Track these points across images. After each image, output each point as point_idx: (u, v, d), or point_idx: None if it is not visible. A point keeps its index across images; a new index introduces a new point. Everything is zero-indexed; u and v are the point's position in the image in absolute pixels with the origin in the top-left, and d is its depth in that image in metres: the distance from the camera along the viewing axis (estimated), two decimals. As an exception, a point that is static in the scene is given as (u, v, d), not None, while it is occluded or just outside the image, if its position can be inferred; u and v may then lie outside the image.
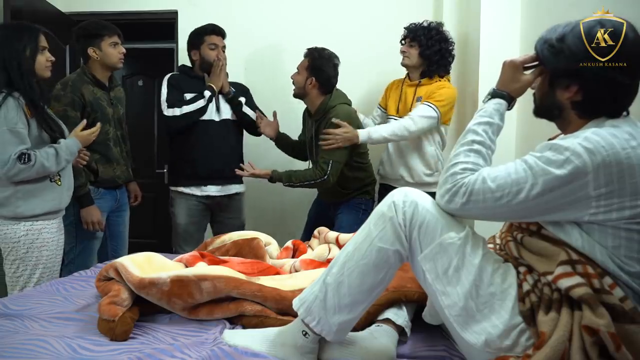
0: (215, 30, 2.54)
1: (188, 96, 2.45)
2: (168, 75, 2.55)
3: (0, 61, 1.82)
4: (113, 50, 2.30)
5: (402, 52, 2.48)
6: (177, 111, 2.41)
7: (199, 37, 2.53)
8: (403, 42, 2.50)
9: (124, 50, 2.36)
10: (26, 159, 1.78)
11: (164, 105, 2.44)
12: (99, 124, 2.12)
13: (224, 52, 2.54)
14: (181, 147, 2.52)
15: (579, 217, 0.97)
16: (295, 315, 1.19)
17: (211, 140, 2.49)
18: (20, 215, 1.87)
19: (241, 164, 2.47)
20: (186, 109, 2.41)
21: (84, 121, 2.06)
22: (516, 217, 1.08)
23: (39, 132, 1.88)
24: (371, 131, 2.32)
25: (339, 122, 2.27)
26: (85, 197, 2.25)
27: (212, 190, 2.54)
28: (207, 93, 2.44)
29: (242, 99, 2.59)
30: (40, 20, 2.04)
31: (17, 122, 1.79)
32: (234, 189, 2.60)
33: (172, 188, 2.59)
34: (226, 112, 2.55)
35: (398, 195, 1.11)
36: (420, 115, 2.32)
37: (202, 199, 2.54)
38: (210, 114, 2.49)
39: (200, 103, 2.42)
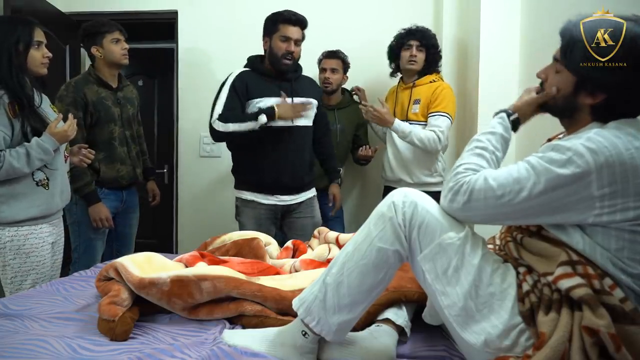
0: (290, 19, 2.19)
1: (253, 103, 2.16)
2: (235, 75, 2.23)
3: None
4: (115, 47, 2.29)
5: (412, 56, 2.45)
6: (220, 126, 2.13)
7: (272, 24, 2.22)
8: (405, 44, 2.47)
9: (127, 46, 2.33)
10: None
11: (215, 115, 2.16)
12: (71, 116, 1.90)
13: (298, 45, 2.23)
14: (246, 152, 2.27)
15: (583, 219, 0.96)
16: (295, 315, 1.20)
17: (282, 149, 2.23)
18: (3, 221, 1.78)
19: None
20: (232, 127, 2.12)
21: (60, 115, 1.88)
22: (519, 218, 1.05)
23: (24, 133, 1.78)
24: (403, 125, 2.38)
25: (383, 102, 2.42)
26: (91, 195, 2.26)
27: (282, 199, 2.30)
28: (262, 118, 2.07)
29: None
30: (40, 20, 2.01)
31: None
32: (305, 195, 2.37)
33: (237, 194, 2.36)
34: (302, 119, 2.24)
35: (398, 196, 1.11)
36: (443, 129, 2.38)
37: (270, 206, 2.30)
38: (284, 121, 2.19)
39: (250, 125, 2.10)
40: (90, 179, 2.25)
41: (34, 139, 1.78)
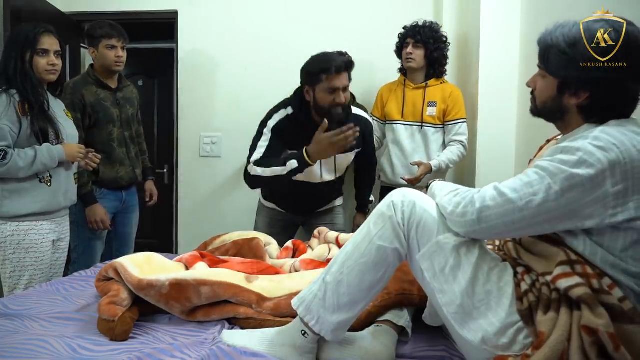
0: (335, 69, 1.90)
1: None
2: (276, 121, 2.01)
3: (4, 60, 1.86)
4: (109, 53, 2.30)
5: (408, 54, 2.44)
6: (254, 170, 1.97)
7: (313, 75, 1.94)
8: (404, 42, 2.48)
9: (121, 54, 2.32)
10: (1, 157, 1.77)
11: (252, 160, 1.98)
12: (93, 152, 2.05)
13: (346, 91, 1.96)
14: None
15: (600, 221, 0.94)
16: (293, 317, 1.20)
17: (304, 198, 2.20)
18: (5, 215, 1.85)
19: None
20: (261, 171, 1.95)
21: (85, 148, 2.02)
22: (538, 224, 0.98)
23: (31, 132, 1.85)
24: (440, 162, 2.38)
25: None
26: (88, 196, 2.27)
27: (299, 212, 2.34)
28: (292, 163, 1.91)
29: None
30: (40, 20, 2.04)
31: (1, 118, 1.78)
32: (323, 208, 2.34)
33: (260, 197, 2.41)
34: (330, 174, 2.14)
35: (397, 196, 1.12)
36: (466, 135, 2.46)
37: (288, 216, 2.33)
38: (308, 176, 2.06)
39: (277, 171, 1.93)
40: (87, 180, 2.26)
41: (45, 145, 1.87)
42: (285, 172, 1.92)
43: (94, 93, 2.29)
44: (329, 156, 1.97)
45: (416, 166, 2.36)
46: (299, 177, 2.01)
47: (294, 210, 2.33)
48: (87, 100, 2.26)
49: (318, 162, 2.02)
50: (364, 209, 2.49)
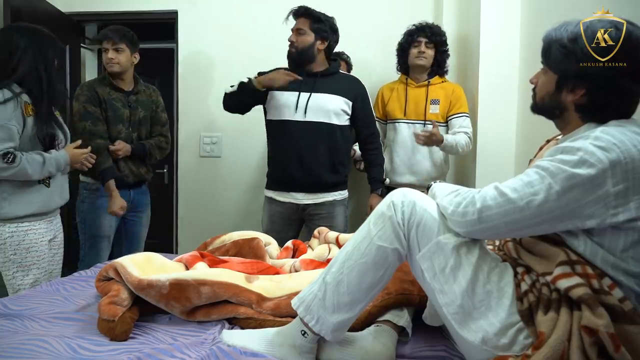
0: (293, 14, 2.29)
1: (273, 94, 2.28)
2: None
3: (31, 62, 1.84)
4: (104, 55, 2.38)
5: (420, 52, 2.45)
6: (226, 89, 2.28)
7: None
8: (414, 40, 2.46)
9: (111, 55, 2.34)
10: (10, 159, 1.74)
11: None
12: (82, 146, 2.08)
13: (300, 34, 2.26)
14: (270, 147, 2.38)
15: (601, 220, 0.93)
16: (293, 317, 1.20)
17: (291, 143, 2.24)
18: (4, 217, 1.85)
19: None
20: (229, 89, 2.27)
21: (79, 141, 2.05)
22: (539, 224, 0.98)
23: (34, 133, 1.85)
24: (450, 140, 2.35)
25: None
26: (108, 171, 2.29)
27: (296, 197, 2.30)
28: (244, 79, 2.23)
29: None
30: (40, 20, 2.05)
31: (11, 119, 1.78)
32: (322, 197, 2.30)
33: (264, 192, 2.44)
34: (314, 114, 2.23)
35: (397, 195, 1.12)
36: (471, 129, 2.45)
37: (287, 206, 2.32)
38: (290, 114, 2.23)
39: (235, 86, 2.24)
40: (107, 157, 2.29)
41: (53, 152, 1.90)
42: (238, 82, 2.23)
43: (107, 93, 2.37)
44: (271, 83, 2.18)
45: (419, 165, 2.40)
46: (276, 114, 2.26)
47: (285, 179, 2.28)
48: (100, 97, 2.32)
49: (295, 97, 2.23)
50: (374, 188, 2.36)
